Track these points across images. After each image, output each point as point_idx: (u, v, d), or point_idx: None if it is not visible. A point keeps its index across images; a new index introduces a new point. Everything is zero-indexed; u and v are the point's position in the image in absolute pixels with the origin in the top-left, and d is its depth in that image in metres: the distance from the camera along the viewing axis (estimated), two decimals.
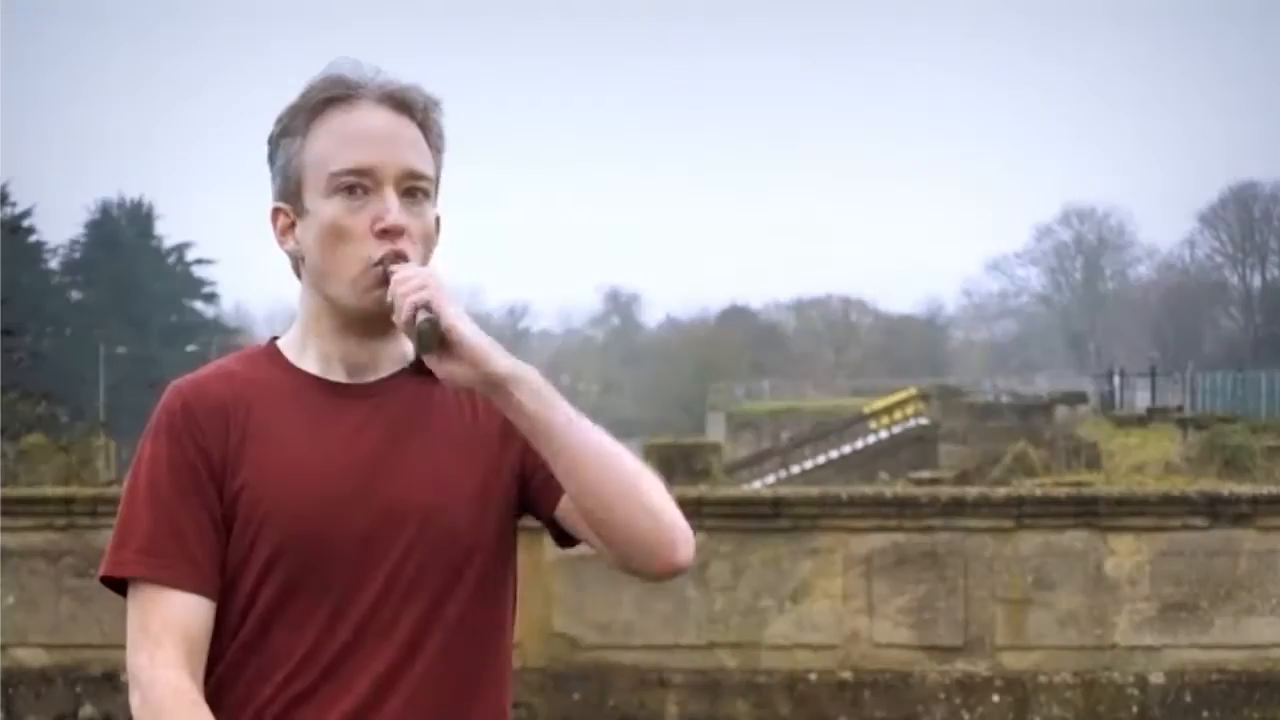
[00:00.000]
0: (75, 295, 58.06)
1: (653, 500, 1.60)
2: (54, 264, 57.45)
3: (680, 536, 1.61)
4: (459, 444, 1.68)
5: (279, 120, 1.67)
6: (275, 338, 1.75)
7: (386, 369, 1.69)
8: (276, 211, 1.67)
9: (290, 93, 1.69)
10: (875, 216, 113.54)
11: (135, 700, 1.57)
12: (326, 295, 1.65)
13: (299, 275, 1.70)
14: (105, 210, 59.24)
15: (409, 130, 1.64)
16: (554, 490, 1.65)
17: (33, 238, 52.15)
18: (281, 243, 1.68)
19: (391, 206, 1.60)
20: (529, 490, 1.70)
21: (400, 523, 1.63)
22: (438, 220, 1.70)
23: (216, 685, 1.61)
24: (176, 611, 1.58)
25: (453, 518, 1.65)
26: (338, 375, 1.68)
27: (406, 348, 1.69)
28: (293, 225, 1.66)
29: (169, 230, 61.96)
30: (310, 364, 1.69)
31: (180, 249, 61.08)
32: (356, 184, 1.60)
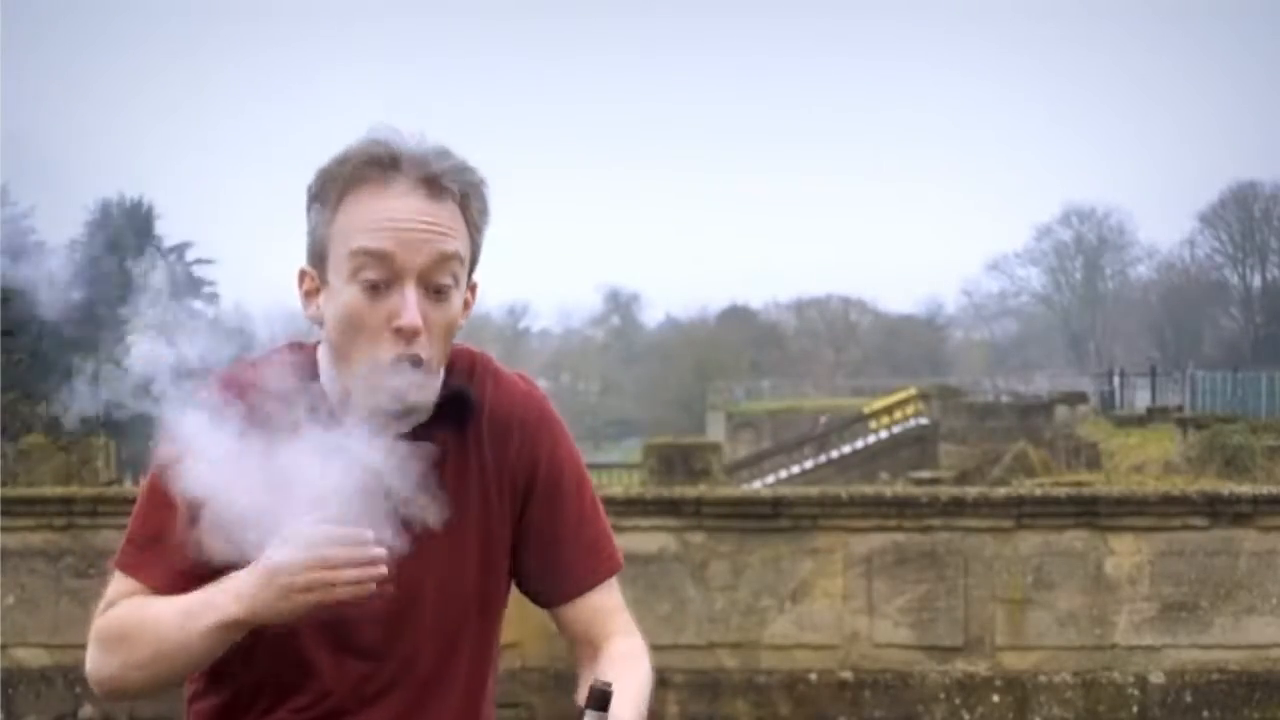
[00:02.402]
0: (75, 295, 58.06)
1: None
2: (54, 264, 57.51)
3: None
4: (474, 504, 1.70)
5: (314, 180, 1.60)
6: (319, 342, 1.70)
7: (411, 418, 1.65)
8: (303, 274, 1.63)
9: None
10: (875, 216, 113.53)
11: (90, 646, 1.61)
12: (343, 378, 1.62)
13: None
14: (105, 210, 59.30)
15: (441, 215, 1.56)
16: (557, 593, 1.75)
17: (32, 238, 52.15)
18: (305, 305, 1.63)
19: (410, 304, 1.53)
20: (525, 571, 1.77)
21: (412, 602, 1.65)
22: (474, 288, 1.66)
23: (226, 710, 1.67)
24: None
25: (463, 589, 1.69)
26: (365, 417, 1.63)
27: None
28: (317, 291, 1.62)
29: (169, 230, 62.02)
30: (332, 391, 1.65)
31: (180, 249, 61.12)
32: (378, 279, 1.54)
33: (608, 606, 1.75)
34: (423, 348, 1.55)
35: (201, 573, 1.60)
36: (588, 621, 1.74)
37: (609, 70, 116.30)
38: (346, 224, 1.56)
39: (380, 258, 1.53)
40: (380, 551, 1.44)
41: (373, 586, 1.44)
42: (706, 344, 63.17)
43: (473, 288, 1.67)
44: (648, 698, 1.66)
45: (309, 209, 1.61)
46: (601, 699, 1.47)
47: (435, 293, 1.56)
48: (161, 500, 1.61)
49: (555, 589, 1.75)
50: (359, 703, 1.65)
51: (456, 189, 1.57)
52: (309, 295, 1.63)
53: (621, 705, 1.56)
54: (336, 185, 1.57)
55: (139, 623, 1.56)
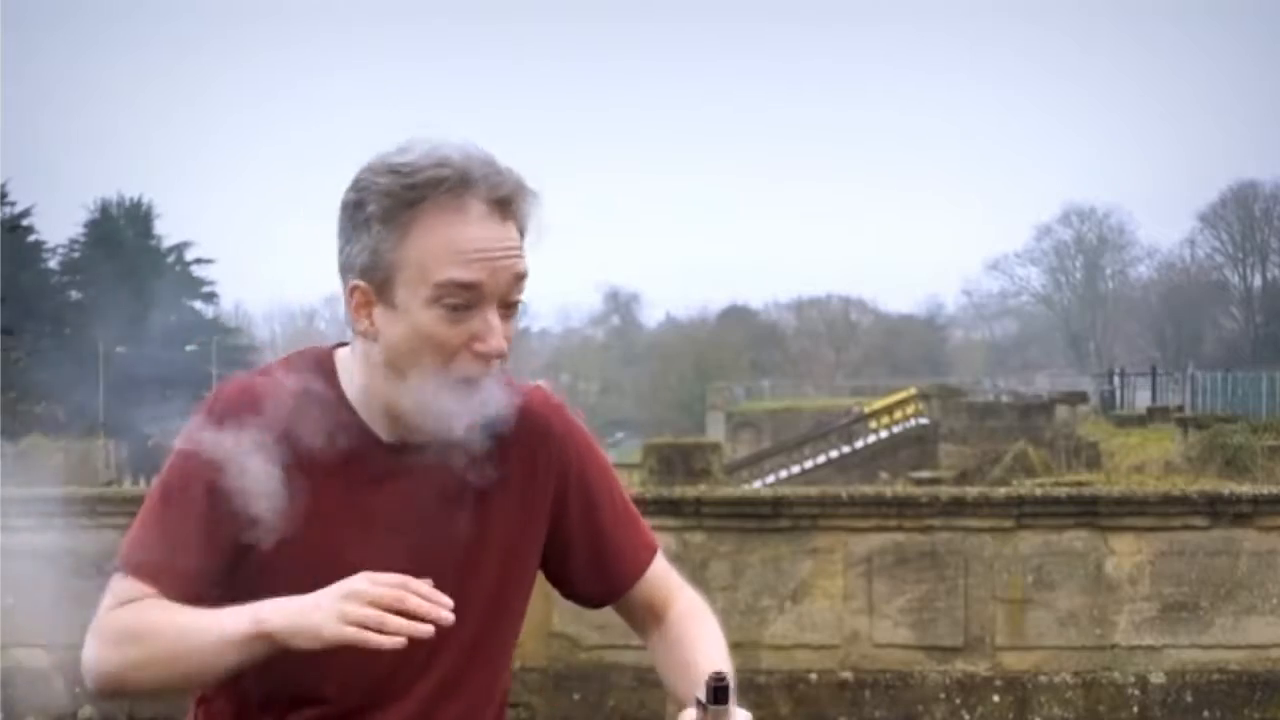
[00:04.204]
0: (75, 295, 58.09)
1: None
2: (53, 264, 57.48)
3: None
4: (496, 516, 1.69)
5: (362, 191, 1.56)
6: (337, 345, 1.70)
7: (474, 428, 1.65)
8: (354, 288, 1.58)
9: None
10: (875, 216, 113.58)
11: (88, 640, 1.57)
12: (397, 393, 1.60)
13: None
14: (105, 210, 59.25)
15: (513, 236, 1.57)
16: (609, 591, 1.79)
17: (32, 237, 52.21)
18: (354, 319, 1.59)
19: (494, 328, 1.54)
20: (574, 579, 1.80)
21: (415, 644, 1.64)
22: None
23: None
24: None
25: (480, 598, 1.68)
26: (386, 427, 1.63)
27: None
28: (368, 304, 1.58)
29: (168, 230, 62.04)
30: (359, 402, 1.64)
31: (180, 249, 61.11)
32: (461, 303, 1.53)
33: (658, 574, 1.83)
34: (502, 366, 1.59)
35: (211, 572, 1.59)
36: (645, 597, 1.81)
37: (609, 73, 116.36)
38: (424, 250, 1.53)
39: (469, 288, 1.53)
40: (449, 616, 1.44)
41: (403, 641, 1.42)
42: (706, 344, 63.21)
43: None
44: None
45: (360, 223, 1.56)
46: (722, 694, 1.48)
47: (508, 309, 1.58)
48: (177, 489, 1.60)
49: (607, 588, 1.80)
50: (372, 706, 1.64)
51: (520, 205, 1.58)
52: (360, 309, 1.59)
53: (718, 661, 1.66)
54: (402, 206, 1.54)
55: (154, 623, 1.54)
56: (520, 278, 1.57)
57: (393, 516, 1.63)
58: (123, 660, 1.54)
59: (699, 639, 1.73)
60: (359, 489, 1.62)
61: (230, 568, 1.60)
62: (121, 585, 1.59)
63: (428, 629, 1.41)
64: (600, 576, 1.79)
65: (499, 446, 1.68)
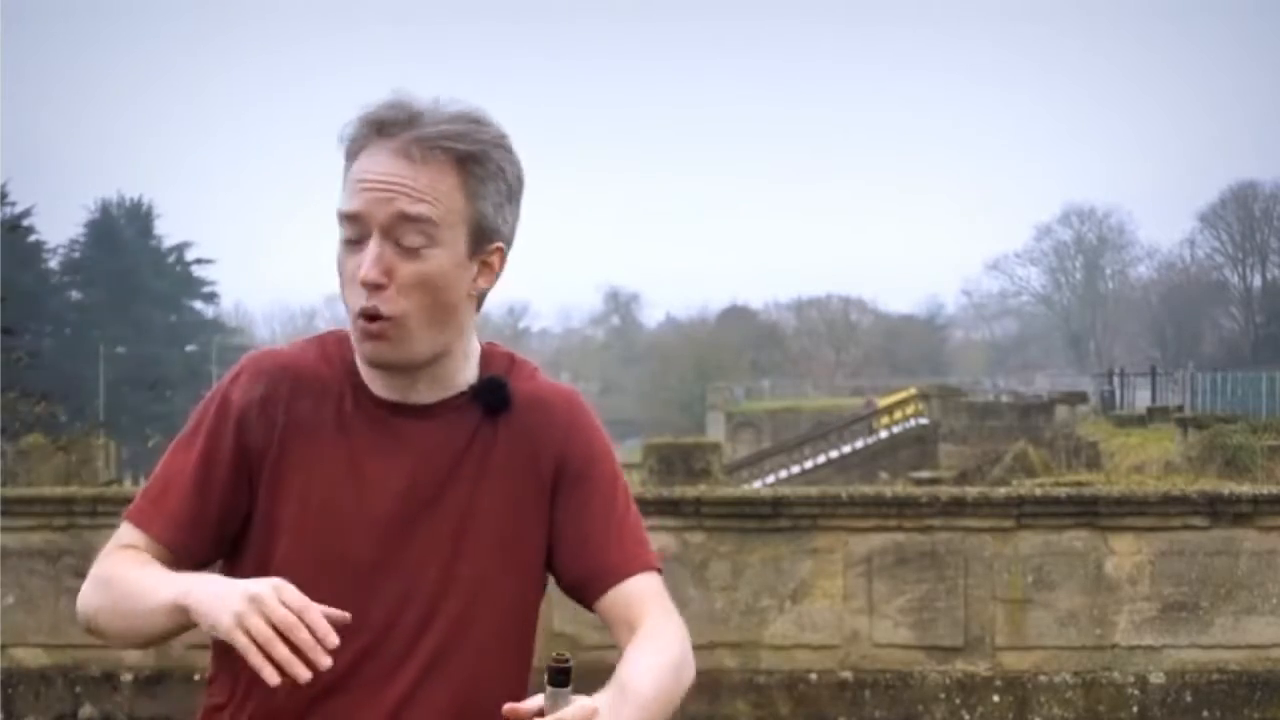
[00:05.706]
0: (75, 295, 58.09)
1: (684, 688, 1.68)
2: (54, 264, 57.48)
3: (689, 681, 1.69)
4: (497, 494, 1.70)
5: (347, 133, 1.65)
6: None
7: (433, 392, 1.68)
8: None
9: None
10: (875, 216, 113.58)
11: (86, 580, 1.67)
12: None
13: None
14: (105, 210, 59.27)
15: (419, 177, 1.56)
16: (595, 586, 1.73)
17: (32, 237, 52.18)
18: None
19: (367, 258, 1.56)
20: (561, 566, 1.76)
21: (417, 584, 1.66)
22: (499, 253, 1.65)
23: (242, 694, 1.67)
24: (144, 547, 1.67)
25: (473, 578, 1.68)
26: (380, 383, 1.68)
27: (458, 374, 1.69)
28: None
29: (169, 230, 62.11)
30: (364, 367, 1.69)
31: (180, 249, 61.14)
32: (353, 236, 1.59)
33: (646, 590, 1.73)
34: (386, 301, 1.57)
35: (207, 521, 1.66)
36: (624, 606, 1.71)
37: (611, 73, 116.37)
38: (347, 179, 1.61)
39: (352, 218, 1.59)
40: (326, 661, 1.43)
41: (277, 680, 1.42)
42: (706, 344, 63.26)
43: (496, 252, 1.66)
44: (678, 672, 1.65)
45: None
46: (560, 676, 1.47)
47: (403, 246, 1.57)
48: (186, 443, 1.69)
49: (592, 581, 1.74)
50: (357, 681, 1.64)
51: (448, 152, 1.57)
52: None
53: (639, 678, 1.58)
54: (350, 144, 1.62)
55: (124, 575, 1.61)
56: (406, 218, 1.56)
57: (387, 479, 1.65)
58: (96, 603, 1.64)
59: (635, 658, 1.63)
60: (357, 450, 1.66)
61: (224, 518, 1.66)
62: (121, 528, 1.70)
63: (306, 674, 1.41)
64: (583, 570, 1.74)
65: (500, 424, 1.70)
